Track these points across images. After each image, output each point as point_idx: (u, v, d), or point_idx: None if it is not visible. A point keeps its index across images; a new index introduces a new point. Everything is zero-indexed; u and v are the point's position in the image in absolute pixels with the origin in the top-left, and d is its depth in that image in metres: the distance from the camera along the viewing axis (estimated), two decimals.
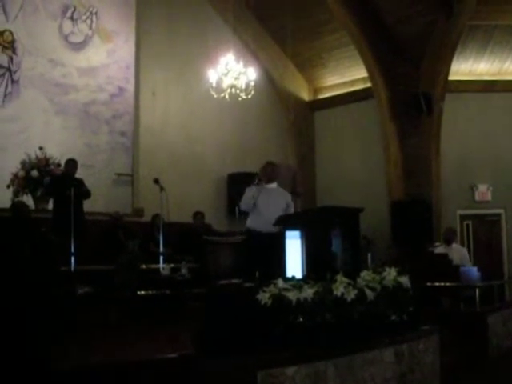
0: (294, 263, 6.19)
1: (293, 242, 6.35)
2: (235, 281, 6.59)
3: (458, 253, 10.47)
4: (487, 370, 7.97)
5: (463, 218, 13.73)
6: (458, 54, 12.91)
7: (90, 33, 11.84)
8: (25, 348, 5.17)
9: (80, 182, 9.23)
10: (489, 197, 13.66)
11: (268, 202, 7.48)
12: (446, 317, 8.33)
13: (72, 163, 9.39)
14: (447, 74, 12.91)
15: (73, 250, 8.16)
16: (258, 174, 7.73)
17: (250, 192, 7.59)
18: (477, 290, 9.18)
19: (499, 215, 13.72)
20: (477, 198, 13.69)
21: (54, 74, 11.24)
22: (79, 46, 11.68)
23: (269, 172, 7.70)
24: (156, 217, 10.08)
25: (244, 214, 8.04)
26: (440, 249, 10.62)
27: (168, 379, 4.87)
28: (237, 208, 8.12)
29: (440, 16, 12.28)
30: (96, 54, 11.90)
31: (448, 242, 10.66)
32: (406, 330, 6.02)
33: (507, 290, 12.09)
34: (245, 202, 7.65)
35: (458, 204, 13.58)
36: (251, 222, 7.61)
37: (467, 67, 13.61)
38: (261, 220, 7.42)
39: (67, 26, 11.52)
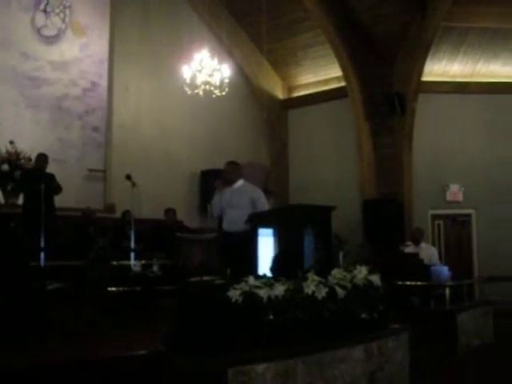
0: (267, 261, 6.19)
1: (265, 240, 6.36)
2: (206, 278, 6.59)
3: (427, 252, 10.57)
4: (456, 368, 8.05)
5: (434, 217, 13.85)
6: (432, 55, 13.02)
7: (63, 26, 11.69)
8: None
9: (51, 177, 9.14)
10: (460, 197, 13.79)
11: (230, 203, 7.52)
12: (416, 315, 8.40)
13: (43, 158, 9.29)
14: (421, 74, 13.02)
15: (43, 246, 8.06)
16: (217, 180, 7.79)
17: (215, 199, 7.68)
18: (447, 289, 9.27)
19: (470, 215, 13.85)
20: (448, 198, 13.81)
21: (26, 68, 11.08)
22: (52, 40, 11.54)
23: (229, 172, 7.72)
24: (126, 213, 10.01)
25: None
26: (410, 248, 10.71)
27: (138, 376, 4.83)
28: (208, 205, 8.09)
29: (415, 17, 12.37)
30: (69, 48, 11.76)
31: (416, 241, 10.77)
32: (376, 328, 6.05)
33: (477, 290, 12.24)
34: (214, 210, 7.76)
35: (430, 204, 13.70)
36: (223, 224, 7.67)
37: (440, 68, 13.73)
38: (225, 220, 7.50)
39: (40, 19, 11.36)
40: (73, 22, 11.83)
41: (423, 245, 10.86)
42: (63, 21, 11.70)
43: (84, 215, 10.34)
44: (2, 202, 9.90)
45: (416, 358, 6.81)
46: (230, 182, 7.67)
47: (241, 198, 7.58)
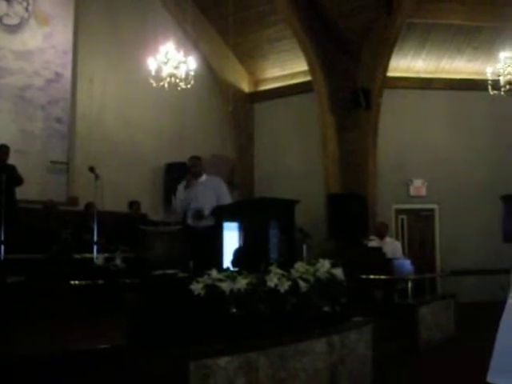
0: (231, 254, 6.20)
1: (230, 234, 6.36)
2: (170, 271, 6.55)
3: (391, 246, 10.68)
4: (417, 361, 8.16)
5: (398, 212, 13.98)
6: (397, 51, 13.11)
7: (25, 15, 11.48)
8: None
9: (12, 169, 9.00)
10: (423, 192, 13.94)
11: (196, 199, 7.52)
12: (380, 309, 8.48)
13: (4, 149, 9.13)
14: (386, 69, 13.10)
15: (3, 238, 7.95)
16: (188, 176, 7.78)
17: (179, 196, 7.68)
18: (409, 283, 9.37)
19: (433, 210, 14.01)
20: (412, 192, 13.94)
21: None
22: (14, 29, 11.33)
23: (196, 166, 7.73)
24: (89, 205, 9.90)
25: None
26: (373, 243, 10.79)
27: (100, 370, 4.79)
28: (173, 198, 8.06)
29: (381, 12, 12.43)
30: (32, 38, 11.56)
31: (381, 235, 10.87)
32: (339, 321, 6.10)
33: (439, 284, 12.41)
34: (179, 205, 7.76)
35: (394, 198, 13.81)
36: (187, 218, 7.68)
37: (405, 64, 13.84)
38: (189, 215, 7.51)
39: (1, 7, 11.13)
40: (36, 10, 11.63)
41: (387, 239, 10.96)
42: (26, 9, 11.49)
43: (45, 208, 10.20)
44: None
45: (379, 351, 6.88)
46: (196, 176, 7.68)
47: (206, 192, 7.59)
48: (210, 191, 7.58)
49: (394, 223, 13.79)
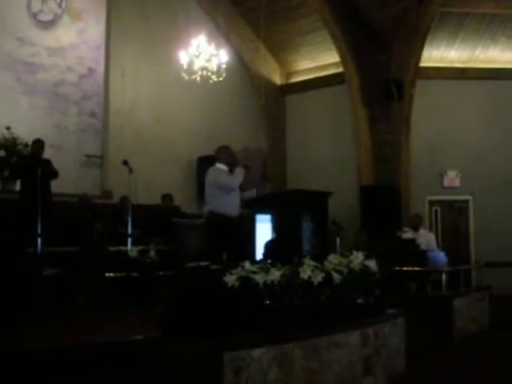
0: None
1: (263, 225, 6.37)
2: (203, 263, 6.58)
3: (425, 238, 10.59)
4: (451, 353, 8.09)
5: (432, 203, 13.85)
6: (430, 41, 12.96)
7: (59, 11, 11.62)
8: None
9: (47, 163, 9.11)
10: (457, 183, 13.80)
11: (235, 187, 7.59)
12: (413, 301, 8.43)
13: (39, 143, 9.25)
14: (418, 60, 12.96)
15: (39, 231, 8.06)
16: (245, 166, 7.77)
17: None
18: (443, 275, 9.29)
19: (467, 201, 13.86)
20: (445, 184, 13.81)
21: (22, 53, 11.03)
22: (48, 25, 11.47)
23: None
24: (124, 198, 9.99)
25: None
26: (407, 234, 10.71)
27: (134, 361, 4.85)
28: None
29: (413, 2, 12.30)
30: (65, 34, 11.70)
31: (415, 227, 10.78)
32: (372, 313, 6.08)
33: (473, 275, 12.27)
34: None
35: (427, 190, 13.69)
36: (219, 207, 7.68)
37: (438, 54, 13.68)
38: (229, 205, 7.51)
39: (36, 4, 11.29)
40: (69, 6, 11.76)
41: (421, 231, 10.87)
42: (59, 6, 11.63)
43: (81, 201, 10.32)
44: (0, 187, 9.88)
45: (412, 342, 6.85)
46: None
47: (238, 180, 7.63)
48: (210, 179, 7.70)
49: (428, 215, 13.68)
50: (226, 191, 7.42)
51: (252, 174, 7.66)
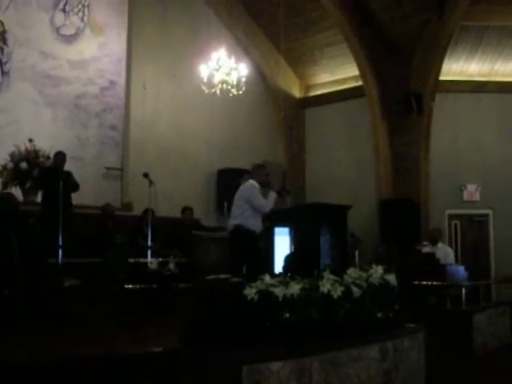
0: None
1: (281, 239, 6.38)
2: (223, 276, 6.60)
3: (443, 252, 10.56)
4: (471, 368, 8.02)
5: (451, 217, 13.78)
6: (450, 54, 12.94)
7: (81, 25, 11.77)
8: None
9: (68, 175, 9.21)
10: (477, 197, 13.71)
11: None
12: (432, 315, 8.38)
13: (61, 156, 9.37)
14: (438, 73, 12.95)
15: (60, 243, 8.14)
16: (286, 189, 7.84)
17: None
18: (463, 289, 9.24)
19: (487, 215, 13.77)
20: (465, 197, 13.73)
21: (44, 66, 11.17)
22: (71, 39, 11.62)
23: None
24: (147, 211, 10.04)
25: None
26: (427, 248, 10.68)
27: (154, 373, 4.87)
28: (225, 204, 8.13)
29: (432, 16, 12.31)
30: (87, 47, 11.84)
31: (433, 241, 10.74)
32: (392, 327, 6.05)
33: (493, 290, 12.17)
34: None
35: (447, 203, 13.63)
36: (253, 224, 7.70)
37: (458, 67, 13.65)
38: (259, 221, 7.55)
39: (59, 18, 11.45)
40: (91, 20, 11.91)
41: (440, 245, 10.84)
42: (82, 20, 11.78)
43: (103, 212, 10.40)
44: (22, 199, 9.98)
45: (432, 357, 6.80)
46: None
47: (238, 195, 7.73)
48: (240, 196, 7.74)
49: (447, 228, 13.60)
50: (254, 210, 7.52)
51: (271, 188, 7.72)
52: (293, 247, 6.39)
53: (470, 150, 13.58)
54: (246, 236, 7.39)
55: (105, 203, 10.53)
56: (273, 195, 7.56)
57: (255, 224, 7.53)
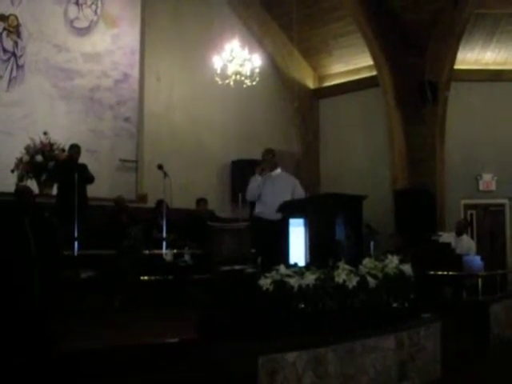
0: (298, 250, 6.19)
1: (296, 230, 6.35)
2: (238, 267, 6.61)
3: (466, 244, 10.49)
4: (488, 359, 7.98)
5: (467, 207, 13.72)
6: (465, 43, 12.85)
7: (95, 18, 11.80)
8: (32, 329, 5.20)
9: (83, 168, 9.24)
10: (493, 186, 13.63)
11: (273, 190, 7.49)
12: (448, 305, 8.35)
13: (76, 148, 9.40)
14: (453, 62, 12.86)
15: (76, 235, 8.18)
16: (260, 164, 7.74)
17: (255, 182, 7.62)
18: (479, 279, 9.19)
19: (503, 205, 13.69)
20: (481, 187, 13.66)
21: (58, 59, 11.21)
22: (84, 32, 11.65)
23: (270, 159, 7.71)
24: (161, 202, 10.08)
25: (248, 202, 8.07)
26: (449, 238, 10.59)
27: (170, 364, 4.89)
28: (240, 195, 8.11)
29: (447, 4, 12.21)
30: (101, 40, 11.87)
31: (459, 232, 10.66)
32: (407, 317, 6.04)
33: (510, 280, 12.10)
34: (251, 193, 7.69)
35: (462, 193, 13.56)
36: (259, 211, 7.61)
37: (473, 56, 13.55)
38: (268, 208, 7.43)
39: (72, 11, 11.48)
40: (104, 13, 11.93)
41: (464, 236, 10.76)
42: (95, 12, 11.80)
43: (116, 204, 10.44)
44: (37, 192, 10.03)
45: (448, 348, 6.78)
46: (271, 169, 7.68)
47: (284, 184, 7.60)
48: (287, 186, 7.60)
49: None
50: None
51: None
52: (308, 238, 6.35)
53: (485, 139, 13.48)
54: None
55: (117, 196, 10.55)
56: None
57: (259, 211, 7.62)
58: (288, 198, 7.28)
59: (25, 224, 6.81)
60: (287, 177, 7.79)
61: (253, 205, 7.84)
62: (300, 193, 7.61)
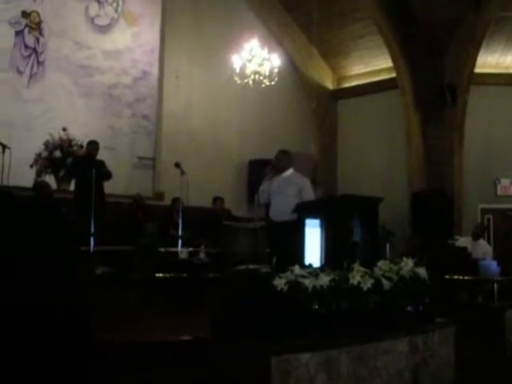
0: (313, 251, 6.19)
1: (312, 231, 6.34)
2: (253, 266, 6.61)
3: (483, 248, 10.43)
4: (502, 366, 7.93)
5: (484, 211, 13.62)
6: (485, 46, 12.76)
7: (115, 16, 11.87)
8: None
9: (101, 164, 9.29)
10: (511, 191, 13.53)
11: (278, 191, 7.50)
12: (463, 310, 8.30)
13: (94, 145, 9.45)
14: (473, 66, 12.78)
15: (92, 231, 8.22)
16: (268, 166, 7.76)
17: (261, 186, 7.66)
18: (495, 285, 9.12)
19: None
20: (499, 192, 13.56)
21: (79, 56, 11.30)
22: (105, 29, 11.73)
23: (280, 160, 7.69)
24: (176, 200, 10.12)
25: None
26: (465, 242, 10.54)
27: (182, 361, 4.91)
28: (256, 195, 8.09)
29: (468, 7, 12.13)
30: (121, 37, 11.94)
31: (476, 237, 10.60)
32: (422, 321, 6.01)
33: None
34: (261, 197, 7.71)
35: (480, 198, 13.47)
36: (269, 212, 7.64)
37: (494, 60, 13.45)
38: (273, 210, 7.47)
39: (93, 8, 11.56)
40: (125, 11, 12.00)
41: (481, 241, 10.69)
42: (116, 10, 11.87)
43: (134, 201, 10.49)
44: (55, 187, 10.10)
45: (462, 353, 6.74)
46: (280, 170, 7.67)
47: (289, 186, 7.58)
48: (293, 187, 7.56)
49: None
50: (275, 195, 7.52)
51: None
52: (324, 239, 6.34)
53: (504, 143, 13.38)
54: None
55: (136, 194, 10.62)
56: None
57: (269, 213, 7.64)
58: (293, 199, 7.23)
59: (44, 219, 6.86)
60: (296, 178, 7.73)
61: (268, 205, 7.84)
62: (309, 195, 7.53)
